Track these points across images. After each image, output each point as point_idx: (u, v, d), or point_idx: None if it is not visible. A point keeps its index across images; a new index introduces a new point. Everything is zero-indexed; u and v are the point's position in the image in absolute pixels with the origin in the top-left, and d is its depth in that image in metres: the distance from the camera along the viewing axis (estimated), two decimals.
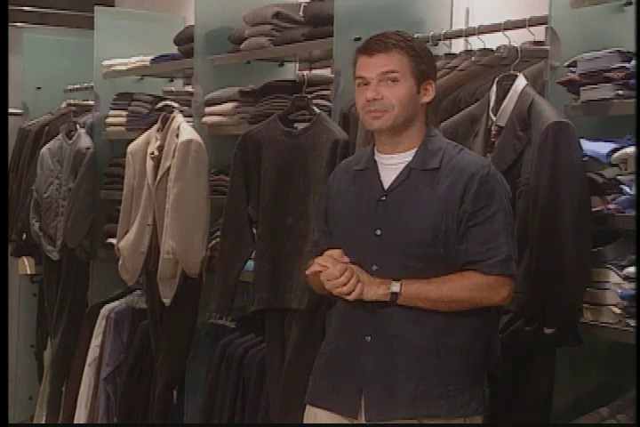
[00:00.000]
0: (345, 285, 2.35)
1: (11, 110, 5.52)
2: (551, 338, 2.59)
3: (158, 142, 4.06)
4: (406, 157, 2.44)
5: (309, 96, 3.49)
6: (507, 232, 2.38)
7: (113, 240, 4.41)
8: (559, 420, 2.61)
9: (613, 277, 2.57)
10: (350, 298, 2.37)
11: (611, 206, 2.59)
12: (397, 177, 2.44)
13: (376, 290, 2.36)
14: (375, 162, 2.49)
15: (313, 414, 2.53)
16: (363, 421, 2.41)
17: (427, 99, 2.44)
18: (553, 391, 2.63)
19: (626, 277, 2.54)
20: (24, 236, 5.20)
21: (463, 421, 2.38)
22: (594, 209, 2.60)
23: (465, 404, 2.38)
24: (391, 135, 2.45)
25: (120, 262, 4.18)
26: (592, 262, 2.59)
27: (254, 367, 3.65)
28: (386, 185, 2.45)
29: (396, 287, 2.35)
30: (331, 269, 2.38)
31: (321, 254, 2.46)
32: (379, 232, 2.41)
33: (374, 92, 2.41)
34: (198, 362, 4.04)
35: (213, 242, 3.95)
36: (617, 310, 2.54)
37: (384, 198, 2.43)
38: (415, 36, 3.27)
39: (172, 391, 4.14)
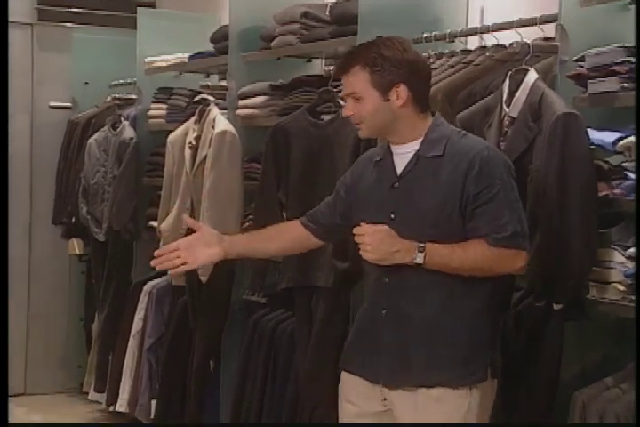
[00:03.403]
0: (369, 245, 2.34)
1: (60, 104, 5.56)
2: (560, 313, 2.58)
3: (195, 133, 4.06)
4: (415, 145, 2.45)
5: (335, 90, 3.47)
6: (512, 209, 2.36)
7: (154, 223, 4.42)
8: (567, 389, 2.60)
9: (618, 257, 2.56)
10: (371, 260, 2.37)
11: (616, 191, 2.57)
12: (407, 164, 2.45)
13: (402, 256, 2.34)
14: (390, 152, 2.50)
15: (343, 377, 2.58)
16: (382, 386, 2.45)
17: (400, 102, 2.42)
18: (561, 362, 2.62)
19: (629, 257, 2.52)
20: (73, 219, 5.22)
21: (469, 388, 2.38)
22: (600, 194, 2.57)
23: (473, 372, 2.39)
24: (383, 136, 2.51)
25: (161, 243, 4.19)
26: (598, 243, 2.57)
27: (284, 340, 3.65)
28: (398, 172, 2.46)
29: (419, 259, 2.33)
30: (362, 229, 2.36)
31: (305, 219, 2.63)
32: (392, 216, 2.42)
33: (346, 109, 2.49)
34: (233, 335, 4.05)
35: (246, 224, 3.95)
36: (621, 288, 2.53)
37: (396, 185, 2.45)
38: (432, 33, 3.28)
39: (209, 361, 4.16)
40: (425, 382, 2.39)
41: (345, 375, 2.57)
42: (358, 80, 2.42)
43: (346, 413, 2.57)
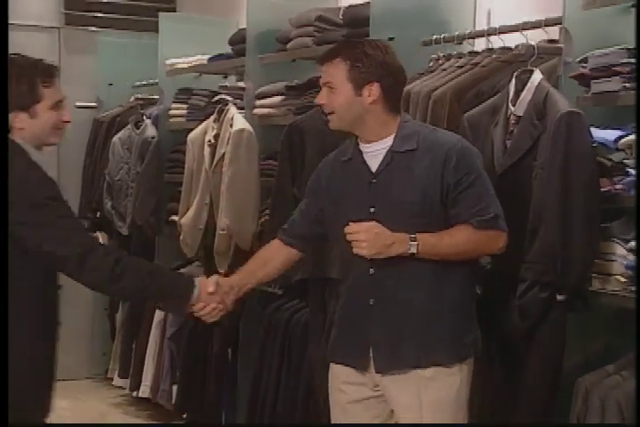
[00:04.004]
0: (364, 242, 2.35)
1: (86, 104, 5.56)
2: (563, 304, 2.57)
3: (214, 131, 4.06)
4: (386, 142, 2.46)
5: None
6: (489, 194, 2.43)
7: (175, 218, 4.42)
8: (570, 376, 2.59)
9: (619, 250, 2.55)
10: (367, 255, 2.37)
11: (618, 187, 2.56)
12: (382, 161, 2.46)
13: (397, 248, 2.36)
14: (360, 151, 2.51)
15: (332, 368, 2.59)
16: (373, 373, 2.47)
17: (371, 99, 2.44)
18: (564, 351, 2.62)
19: (630, 250, 2.51)
20: (98, 214, 5.24)
21: (459, 366, 2.43)
22: (602, 189, 2.56)
23: (462, 350, 2.45)
24: (353, 130, 2.50)
25: (181, 237, 4.20)
26: (600, 237, 2.56)
27: (298, 330, 3.66)
28: (373, 169, 2.47)
29: (413, 248, 2.36)
30: (355, 227, 2.37)
31: (286, 237, 2.61)
32: (372, 210, 2.43)
33: (319, 97, 2.50)
34: (250, 324, 4.05)
35: (263, 219, 3.95)
36: (622, 279, 2.52)
37: (374, 180, 2.45)
38: (441, 36, 3.26)
39: (227, 350, 4.17)
40: (419, 365, 2.42)
41: (334, 366, 2.58)
42: (337, 71, 2.44)
43: (337, 401, 2.58)
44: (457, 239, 2.39)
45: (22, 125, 2.36)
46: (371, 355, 2.46)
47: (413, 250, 2.35)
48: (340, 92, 2.44)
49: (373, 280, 2.44)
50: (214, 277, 2.58)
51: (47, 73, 2.38)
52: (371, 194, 2.45)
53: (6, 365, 2.25)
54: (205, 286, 2.49)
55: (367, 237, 2.34)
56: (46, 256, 2.29)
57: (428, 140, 2.44)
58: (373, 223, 2.36)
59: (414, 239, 2.35)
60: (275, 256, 2.66)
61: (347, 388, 2.53)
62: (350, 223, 2.38)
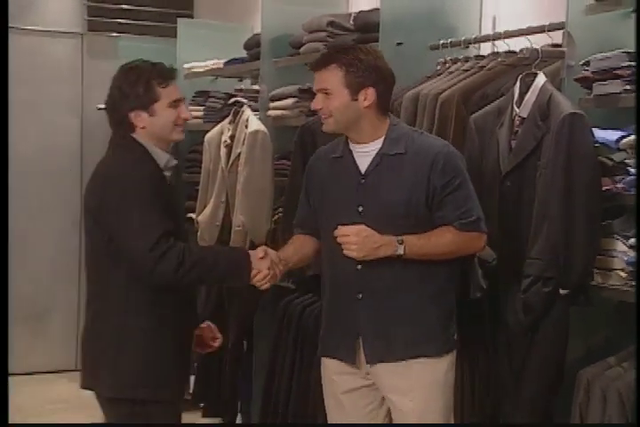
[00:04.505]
0: (355, 244, 2.36)
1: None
2: (566, 298, 2.56)
3: (230, 132, 4.06)
4: (376, 144, 2.47)
5: None
6: (472, 197, 2.45)
7: (193, 215, 4.42)
8: (573, 367, 2.59)
9: (620, 246, 2.54)
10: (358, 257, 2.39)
11: (619, 186, 2.55)
12: (371, 162, 2.46)
13: (385, 250, 2.37)
14: (350, 151, 2.51)
15: (323, 362, 2.60)
16: (362, 364, 2.48)
17: (367, 103, 2.44)
18: (567, 343, 2.61)
19: (631, 247, 2.51)
20: None
21: (445, 356, 2.46)
22: (604, 188, 2.55)
23: (446, 342, 2.47)
24: (347, 133, 2.50)
25: (199, 233, 4.20)
26: (602, 234, 2.56)
27: (311, 322, 3.65)
28: (362, 169, 2.47)
29: (400, 250, 2.38)
30: (344, 230, 2.38)
31: (302, 229, 2.61)
32: (360, 209, 2.44)
33: (315, 103, 2.48)
34: (264, 317, 4.06)
35: (276, 216, 3.95)
36: (623, 274, 2.52)
37: (363, 181, 2.46)
38: (448, 40, 3.26)
39: (242, 341, 4.17)
40: (406, 356, 2.44)
41: (325, 360, 2.58)
42: (333, 78, 2.43)
43: (330, 392, 2.58)
44: (442, 241, 2.41)
45: (144, 124, 2.48)
46: (361, 347, 2.47)
47: (400, 252, 2.38)
48: (336, 97, 2.43)
49: (360, 275, 2.45)
50: (263, 247, 2.57)
51: (163, 75, 2.50)
52: (359, 194, 2.46)
53: (6, 365, 2.29)
54: (255, 253, 2.50)
55: (356, 240, 2.36)
56: (123, 251, 2.37)
57: (416, 143, 2.45)
58: (362, 227, 2.38)
59: (401, 242, 2.37)
60: (305, 244, 2.64)
61: (339, 378, 2.54)
62: (339, 226, 2.39)
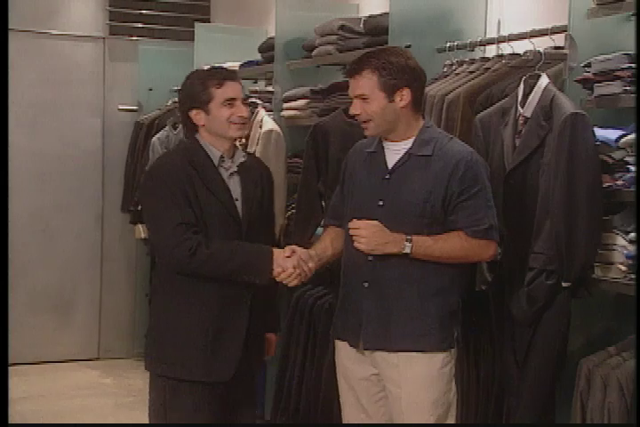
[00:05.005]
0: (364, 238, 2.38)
1: (128, 107, 5.60)
2: (567, 290, 2.56)
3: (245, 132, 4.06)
4: (407, 144, 2.48)
5: None
6: (488, 206, 2.43)
7: None
8: (575, 357, 2.59)
9: (620, 241, 2.53)
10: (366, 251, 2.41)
11: (619, 183, 2.54)
12: (399, 160, 2.47)
13: (392, 247, 2.38)
14: (383, 147, 2.52)
15: (336, 344, 2.62)
16: (362, 349, 2.50)
17: (403, 103, 2.44)
18: (568, 334, 2.61)
19: (630, 241, 2.50)
20: (139, 207, 5.26)
21: (442, 352, 2.44)
22: (604, 185, 2.55)
23: (444, 340, 2.45)
24: (387, 134, 2.50)
25: None
26: (602, 229, 2.55)
27: (322, 314, 3.66)
28: (390, 166, 2.48)
29: (407, 248, 2.39)
30: (358, 223, 2.41)
31: (334, 220, 2.62)
32: (381, 203, 2.45)
33: (354, 109, 2.47)
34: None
35: (289, 212, 3.95)
36: (623, 268, 2.51)
37: (388, 177, 2.47)
38: (455, 43, 3.25)
39: None
40: (401, 349, 2.44)
41: (338, 343, 2.60)
42: (368, 83, 2.43)
43: (344, 376, 2.60)
44: (450, 245, 2.40)
45: (202, 122, 2.58)
46: (361, 333, 2.48)
47: (407, 250, 2.38)
48: (373, 102, 2.43)
49: (370, 266, 2.46)
50: (292, 246, 2.58)
51: (218, 76, 2.57)
52: (382, 188, 2.47)
53: (6, 365, 2.35)
54: (281, 251, 2.52)
55: (366, 233, 2.38)
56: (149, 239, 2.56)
57: (444, 148, 2.44)
58: (374, 222, 2.39)
59: (410, 240, 2.38)
60: (336, 239, 2.62)
61: (349, 363, 2.56)
62: (354, 219, 2.41)
